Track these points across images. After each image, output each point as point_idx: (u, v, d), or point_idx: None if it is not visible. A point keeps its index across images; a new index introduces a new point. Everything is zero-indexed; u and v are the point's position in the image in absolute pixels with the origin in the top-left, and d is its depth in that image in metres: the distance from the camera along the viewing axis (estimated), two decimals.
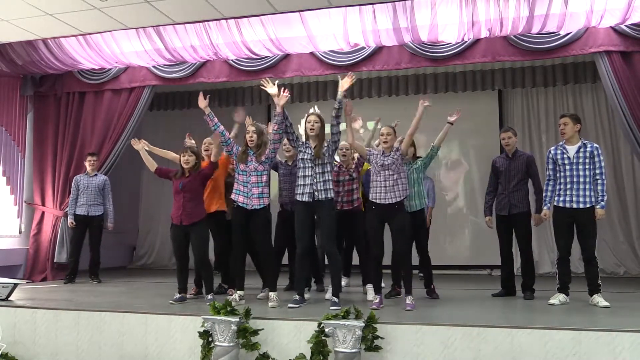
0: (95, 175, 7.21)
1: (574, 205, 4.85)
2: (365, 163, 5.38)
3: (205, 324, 4.10)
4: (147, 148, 5.50)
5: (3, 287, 5.20)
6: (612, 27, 6.01)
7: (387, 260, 4.90)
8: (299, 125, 5.57)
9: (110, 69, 7.65)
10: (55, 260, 7.41)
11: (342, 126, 4.98)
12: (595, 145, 4.92)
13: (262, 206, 4.94)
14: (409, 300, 4.64)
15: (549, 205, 5.06)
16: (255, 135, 4.99)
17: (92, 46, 7.04)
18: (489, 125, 8.44)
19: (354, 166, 5.46)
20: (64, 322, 4.64)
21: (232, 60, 7.15)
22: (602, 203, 4.80)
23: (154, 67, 7.44)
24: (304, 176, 4.81)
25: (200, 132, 9.87)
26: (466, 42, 6.41)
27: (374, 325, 3.88)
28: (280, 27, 6.44)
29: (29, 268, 7.50)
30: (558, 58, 7.27)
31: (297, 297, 4.79)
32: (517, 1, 5.77)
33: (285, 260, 5.98)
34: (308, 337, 3.96)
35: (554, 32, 6.17)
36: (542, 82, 7.82)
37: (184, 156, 5.14)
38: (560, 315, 4.38)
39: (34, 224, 7.64)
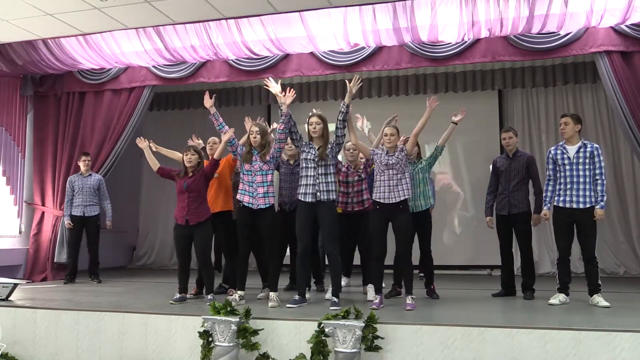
0: (90, 175, 7.21)
1: (574, 206, 4.85)
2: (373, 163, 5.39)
3: (205, 324, 4.10)
4: (154, 148, 5.50)
5: (3, 287, 5.20)
6: (612, 27, 6.02)
7: (387, 260, 4.90)
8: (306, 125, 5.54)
9: (110, 69, 7.65)
10: (55, 260, 7.42)
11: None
12: (596, 145, 4.92)
13: (267, 205, 4.94)
14: (409, 300, 4.64)
15: (548, 205, 5.06)
16: (259, 136, 4.98)
17: (92, 46, 7.04)
18: (489, 125, 8.45)
19: (362, 166, 5.45)
20: (64, 322, 4.65)
21: (232, 60, 7.15)
22: (602, 203, 4.80)
23: (154, 67, 7.44)
24: (307, 176, 4.81)
25: (200, 131, 9.87)
26: (466, 42, 6.41)
27: (374, 325, 3.88)
28: (280, 27, 6.44)
29: (29, 268, 7.50)
30: (558, 58, 7.27)
31: (297, 297, 4.79)
32: (517, 1, 5.77)
33: (286, 260, 5.98)
34: (308, 337, 3.96)
35: (554, 32, 6.17)
36: (542, 82, 7.82)
37: (186, 155, 5.14)
38: (560, 315, 4.38)
39: (34, 224, 7.64)
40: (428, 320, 4.09)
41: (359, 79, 4.84)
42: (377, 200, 4.78)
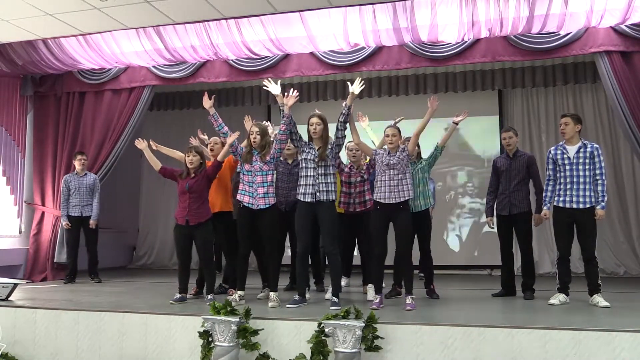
0: (86, 174, 7.20)
1: (574, 206, 4.85)
2: None
3: (205, 324, 4.10)
4: (154, 147, 5.50)
5: (3, 287, 5.20)
6: (612, 27, 6.02)
7: (387, 260, 4.90)
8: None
9: (110, 69, 7.65)
10: (55, 260, 7.41)
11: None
12: (596, 145, 4.92)
13: (267, 206, 4.94)
14: (409, 300, 4.64)
15: (548, 205, 5.06)
16: (259, 136, 4.97)
17: (92, 46, 7.04)
18: (489, 125, 8.45)
19: (365, 167, 5.44)
20: (64, 322, 4.64)
21: (232, 60, 7.15)
22: (603, 204, 4.80)
23: (154, 67, 7.44)
24: (307, 176, 4.81)
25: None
26: (466, 42, 6.41)
27: (374, 325, 3.88)
28: (280, 27, 6.44)
29: (29, 268, 7.50)
30: (558, 58, 7.27)
31: (297, 297, 4.79)
32: (517, 1, 5.77)
33: (286, 260, 5.98)
34: (308, 337, 3.96)
35: (554, 32, 6.17)
36: (542, 82, 7.82)
37: (188, 156, 5.14)
38: (560, 315, 4.38)
39: (34, 224, 7.64)
40: (428, 320, 4.09)
41: (361, 81, 4.83)
42: (377, 200, 4.78)
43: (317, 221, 4.85)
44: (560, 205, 4.93)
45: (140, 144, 5.38)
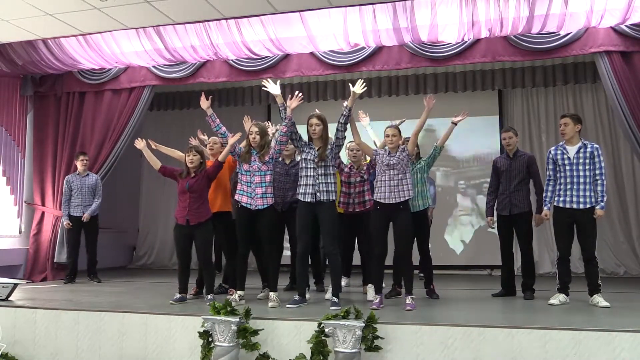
0: (88, 175, 7.20)
1: (574, 206, 4.85)
2: None
3: (205, 324, 4.10)
4: (154, 147, 5.51)
5: (3, 287, 5.20)
6: (612, 27, 6.02)
7: (387, 260, 4.90)
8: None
9: (110, 69, 7.65)
10: (55, 260, 7.42)
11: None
12: (596, 145, 4.92)
13: (265, 206, 4.94)
14: (409, 300, 4.64)
15: (549, 205, 5.06)
16: (258, 137, 4.97)
17: (92, 46, 7.04)
18: (489, 125, 8.45)
19: (365, 167, 5.44)
20: (64, 322, 4.64)
21: (232, 60, 7.15)
22: (602, 204, 4.80)
23: (154, 67, 7.44)
24: (307, 176, 4.81)
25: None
26: (466, 42, 6.41)
27: (374, 325, 3.88)
28: (280, 27, 6.44)
29: (29, 268, 7.50)
30: (558, 58, 7.27)
31: (297, 297, 4.79)
32: (517, 1, 5.77)
33: (285, 260, 5.98)
34: (308, 337, 3.96)
35: (554, 32, 6.17)
36: (542, 82, 7.82)
37: (188, 156, 5.13)
38: (560, 315, 4.38)
39: (34, 224, 7.64)
40: (428, 320, 4.09)
41: (363, 82, 4.83)
42: (377, 200, 4.78)
43: (317, 221, 4.85)
44: (561, 205, 4.93)
45: (139, 143, 5.38)
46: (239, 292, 5.01)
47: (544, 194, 5.11)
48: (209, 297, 5.02)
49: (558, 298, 4.87)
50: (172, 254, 9.53)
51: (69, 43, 7.04)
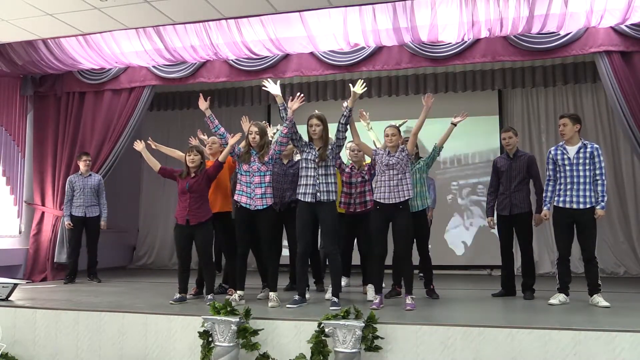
0: (90, 175, 7.20)
1: (574, 206, 4.85)
2: None
3: (205, 324, 4.10)
4: (153, 147, 5.51)
5: (3, 287, 5.20)
6: (612, 27, 6.02)
7: (387, 259, 4.89)
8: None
9: (110, 69, 7.65)
10: (55, 260, 7.42)
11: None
12: (596, 145, 4.92)
13: (265, 206, 4.94)
14: (409, 300, 4.64)
15: (548, 205, 5.06)
16: (258, 136, 4.96)
17: (92, 46, 7.04)
18: (489, 125, 8.45)
19: (366, 168, 5.42)
20: (64, 322, 4.64)
21: (232, 60, 7.15)
22: (603, 204, 4.80)
23: (154, 67, 7.44)
24: (307, 176, 4.80)
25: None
26: (466, 42, 6.41)
27: (374, 325, 3.88)
28: (280, 27, 6.44)
29: (29, 268, 7.50)
30: (558, 58, 7.27)
31: (297, 297, 4.79)
32: (517, 1, 5.77)
33: (285, 260, 5.98)
34: (308, 337, 3.96)
35: (554, 32, 6.17)
36: (542, 82, 7.82)
37: (189, 155, 5.13)
38: (560, 315, 4.38)
39: (34, 224, 7.64)
40: (428, 320, 4.09)
41: (363, 82, 4.82)
42: (377, 200, 4.78)
43: (317, 221, 4.85)
44: (561, 205, 4.93)
45: (138, 145, 5.37)
46: (238, 292, 5.01)
47: (543, 194, 5.11)
48: (209, 297, 5.02)
49: (558, 298, 4.87)
50: (172, 254, 9.53)
51: (69, 43, 7.04)
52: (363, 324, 3.83)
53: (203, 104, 5.12)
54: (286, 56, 7.01)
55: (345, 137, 4.92)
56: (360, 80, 4.86)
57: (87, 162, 7.17)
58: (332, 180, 4.81)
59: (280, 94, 4.95)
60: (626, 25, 5.95)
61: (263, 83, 5.12)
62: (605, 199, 4.82)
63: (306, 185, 4.79)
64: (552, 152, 5.03)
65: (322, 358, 3.88)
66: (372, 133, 5.46)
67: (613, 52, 6.06)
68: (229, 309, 4.10)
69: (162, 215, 9.68)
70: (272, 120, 8.93)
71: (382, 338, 3.88)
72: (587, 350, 3.60)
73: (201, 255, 5.16)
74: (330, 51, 6.84)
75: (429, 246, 5.54)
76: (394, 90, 8.32)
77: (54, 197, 7.66)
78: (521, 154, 5.49)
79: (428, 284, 5.44)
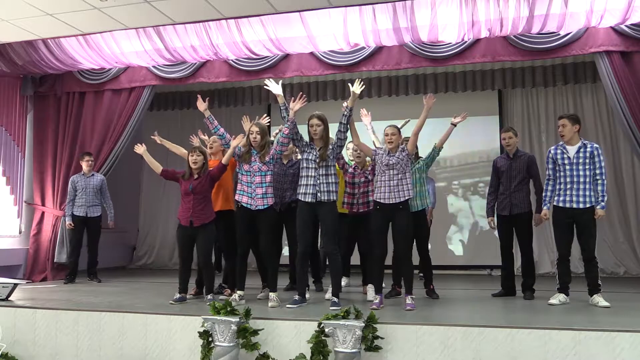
0: (92, 175, 7.21)
1: (574, 205, 4.85)
2: None
3: (205, 324, 4.10)
4: (158, 141, 5.53)
5: (3, 287, 5.20)
6: (612, 27, 6.01)
7: (387, 259, 4.89)
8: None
9: (110, 69, 7.65)
10: (55, 260, 7.42)
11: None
12: (596, 145, 4.92)
13: (266, 206, 4.93)
14: (409, 300, 4.64)
15: (548, 205, 5.06)
16: (259, 136, 4.96)
17: (92, 46, 7.04)
18: (489, 125, 8.45)
19: (370, 168, 5.40)
20: (64, 322, 4.64)
21: (232, 60, 7.15)
22: (603, 203, 4.80)
23: (154, 67, 7.44)
24: (307, 176, 4.79)
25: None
26: (466, 42, 6.41)
27: (374, 325, 3.88)
28: (280, 27, 6.44)
29: (29, 268, 7.50)
30: (558, 58, 7.27)
31: (297, 297, 4.79)
32: (517, 1, 5.77)
33: (284, 260, 5.98)
34: (308, 337, 3.96)
35: (554, 32, 6.17)
36: (542, 82, 7.82)
37: (191, 156, 5.12)
38: (560, 315, 4.38)
39: (34, 224, 7.64)
40: (428, 320, 4.09)
41: (361, 81, 4.82)
42: (377, 200, 4.78)
43: (318, 221, 4.84)
44: (560, 205, 4.93)
45: (140, 148, 5.35)
46: (238, 292, 5.01)
47: (543, 194, 5.10)
48: (209, 297, 5.02)
49: (558, 298, 4.87)
50: (172, 254, 9.54)
51: (69, 43, 7.04)
52: (363, 324, 3.83)
53: (202, 105, 5.12)
54: (286, 56, 7.01)
55: (346, 137, 4.91)
56: (358, 79, 4.86)
57: (90, 162, 7.18)
58: (333, 180, 4.81)
59: (282, 94, 4.94)
60: (626, 25, 5.95)
61: (265, 82, 5.11)
62: (606, 198, 4.82)
63: (306, 185, 4.79)
64: (552, 152, 5.03)
65: (322, 358, 3.89)
66: (372, 135, 5.43)
67: (613, 52, 6.06)
68: (229, 309, 4.10)
69: (162, 215, 9.68)
70: (272, 120, 8.93)
71: (382, 338, 3.88)
72: (587, 350, 3.60)
73: (201, 255, 5.15)
74: (330, 51, 6.84)
75: (429, 246, 5.54)
76: (394, 90, 8.33)
77: (54, 197, 7.66)
78: (521, 154, 5.49)
79: (428, 283, 5.44)
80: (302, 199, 4.80)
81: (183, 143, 6.09)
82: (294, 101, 4.86)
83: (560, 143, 5.03)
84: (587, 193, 4.83)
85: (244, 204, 4.95)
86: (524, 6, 5.80)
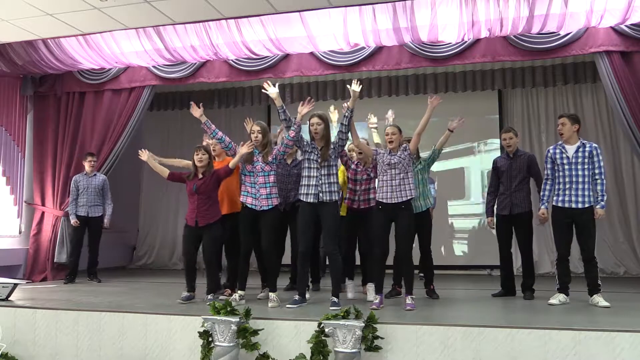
0: (95, 175, 7.21)
1: (573, 205, 4.85)
2: None
3: (205, 324, 4.10)
4: (144, 159, 5.41)
5: (3, 287, 5.20)
6: (612, 27, 6.02)
7: (387, 259, 4.89)
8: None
9: (110, 69, 7.65)
10: (55, 260, 7.42)
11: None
12: (595, 145, 4.92)
13: (270, 207, 4.92)
14: (409, 300, 4.64)
15: (546, 204, 5.05)
16: (260, 135, 4.95)
17: (92, 46, 7.04)
18: (489, 125, 8.45)
19: (372, 166, 5.35)
20: (64, 322, 4.65)
21: (232, 60, 7.15)
22: (602, 203, 4.80)
23: (154, 67, 7.44)
24: (309, 176, 4.78)
25: (200, 131, 9.88)
26: (466, 42, 6.41)
27: (374, 325, 3.88)
28: (280, 27, 6.44)
29: (29, 268, 7.50)
30: (558, 58, 7.26)
31: (297, 297, 4.79)
32: (517, 1, 5.77)
33: (286, 260, 5.96)
34: (308, 337, 3.96)
35: (554, 32, 6.17)
36: (542, 82, 7.81)
37: (197, 155, 5.10)
38: (560, 315, 4.38)
39: (34, 224, 7.64)
40: (428, 320, 4.09)
41: (358, 81, 4.80)
42: (380, 200, 4.76)
43: (318, 221, 4.83)
44: (559, 205, 4.93)
45: (143, 155, 5.26)
46: (239, 292, 5.01)
47: (541, 193, 5.10)
48: (210, 297, 5.01)
49: (558, 298, 4.87)
50: (172, 254, 9.55)
51: (69, 43, 7.04)
52: (363, 324, 3.83)
53: (197, 112, 5.05)
54: (286, 56, 7.01)
55: (348, 138, 4.90)
56: (355, 80, 4.84)
57: (92, 162, 7.18)
58: (334, 180, 4.80)
59: (279, 97, 4.90)
60: (626, 25, 5.95)
61: (263, 85, 5.07)
62: (605, 198, 4.82)
63: (308, 185, 4.78)
64: (551, 151, 5.03)
65: (322, 358, 3.89)
66: (375, 136, 5.38)
67: (613, 52, 6.06)
68: (229, 309, 4.10)
69: (162, 215, 9.68)
70: (272, 121, 8.94)
71: (382, 338, 3.88)
72: (587, 350, 3.60)
73: (206, 254, 5.11)
74: (330, 51, 6.84)
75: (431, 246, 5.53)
76: (394, 90, 8.32)
77: (54, 197, 7.66)
78: (521, 154, 5.49)
79: (428, 284, 5.43)
80: (304, 200, 4.79)
81: (183, 143, 6.08)
82: (302, 105, 4.83)
83: (559, 143, 5.03)
84: (586, 193, 4.83)
85: (248, 205, 4.94)
86: (524, 6, 5.80)
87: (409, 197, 4.70)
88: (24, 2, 5.66)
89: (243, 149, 4.90)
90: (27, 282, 6.88)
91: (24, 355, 4.66)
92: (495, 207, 5.54)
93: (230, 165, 5.05)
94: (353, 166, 5.40)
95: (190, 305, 4.92)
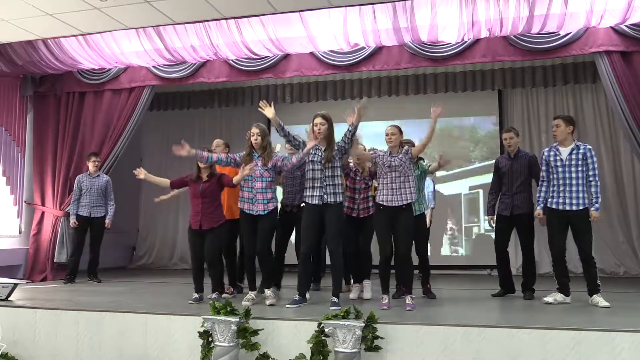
0: (98, 175, 7.21)
1: (567, 207, 4.84)
2: None
3: (205, 324, 4.10)
4: (142, 177, 5.39)
5: (3, 287, 5.20)
6: (612, 27, 6.01)
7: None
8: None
9: (110, 69, 7.65)
10: (55, 260, 7.41)
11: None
12: (589, 147, 4.91)
13: (266, 212, 4.90)
14: (409, 300, 4.64)
15: (542, 205, 5.04)
16: (259, 137, 4.93)
17: (92, 46, 7.04)
18: (489, 125, 8.45)
19: (368, 174, 5.32)
20: (64, 322, 4.64)
21: (232, 60, 7.15)
22: (597, 205, 4.79)
23: (154, 67, 7.44)
24: (314, 179, 4.76)
25: (200, 131, 9.90)
26: (466, 42, 6.41)
27: (374, 325, 3.88)
28: (280, 27, 6.44)
29: (29, 268, 7.50)
30: (558, 58, 7.26)
31: (297, 297, 4.78)
32: (517, 1, 5.77)
33: (292, 260, 5.94)
34: (308, 337, 3.96)
35: (554, 32, 6.17)
36: (542, 82, 7.82)
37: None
38: (560, 315, 4.38)
39: (34, 224, 7.64)
40: (428, 320, 4.09)
41: (366, 100, 4.74)
42: (380, 202, 4.75)
43: (323, 223, 4.78)
44: (554, 207, 4.92)
45: (140, 173, 5.29)
46: (251, 292, 5.02)
47: (537, 195, 5.09)
48: (213, 296, 5.01)
49: (554, 297, 4.87)
50: (172, 254, 9.55)
51: (69, 43, 7.04)
52: (363, 324, 3.83)
53: (183, 151, 4.79)
54: (286, 56, 7.01)
55: (350, 145, 4.86)
56: (365, 98, 4.77)
57: (96, 162, 7.18)
58: (339, 182, 4.78)
59: (276, 117, 4.82)
60: (626, 25, 5.95)
61: (260, 106, 4.96)
62: (599, 200, 4.81)
63: (313, 187, 4.75)
64: (546, 154, 5.03)
65: (322, 358, 3.89)
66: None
67: (613, 52, 6.06)
68: (229, 309, 4.10)
69: (162, 215, 9.68)
70: (271, 122, 8.92)
71: (382, 338, 3.88)
72: (587, 350, 3.59)
73: (208, 255, 5.07)
74: (330, 51, 6.84)
75: (429, 247, 5.52)
76: (394, 90, 8.31)
77: (54, 197, 7.66)
78: (522, 154, 5.48)
79: (425, 283, 5.43)
80: (309, 202, 4.77)
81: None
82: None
83: (554, 145, 5.02)
84: (580, 195, 4.82)
85: (245, 211, 4.94)
86: (524, 6, 5.80)
87: (409, 201, 4.69)
88: (24, 2, 5.66)
89: (246, 169, 4.79)
90: (27, 282, 6.88)
91: (24, 355, 4.66)
92: (497, 207, 5.53)
93: (234, 181, 4.93)
94: (352, 174, 5.35)
95: (190, 306, 4.92)
